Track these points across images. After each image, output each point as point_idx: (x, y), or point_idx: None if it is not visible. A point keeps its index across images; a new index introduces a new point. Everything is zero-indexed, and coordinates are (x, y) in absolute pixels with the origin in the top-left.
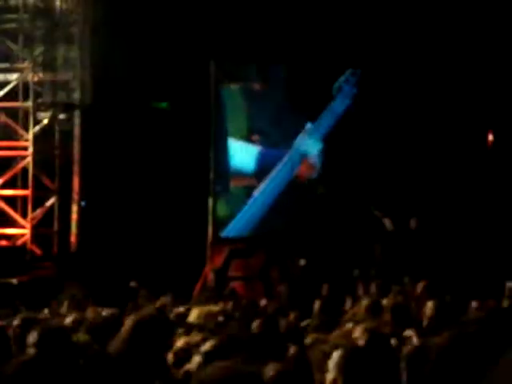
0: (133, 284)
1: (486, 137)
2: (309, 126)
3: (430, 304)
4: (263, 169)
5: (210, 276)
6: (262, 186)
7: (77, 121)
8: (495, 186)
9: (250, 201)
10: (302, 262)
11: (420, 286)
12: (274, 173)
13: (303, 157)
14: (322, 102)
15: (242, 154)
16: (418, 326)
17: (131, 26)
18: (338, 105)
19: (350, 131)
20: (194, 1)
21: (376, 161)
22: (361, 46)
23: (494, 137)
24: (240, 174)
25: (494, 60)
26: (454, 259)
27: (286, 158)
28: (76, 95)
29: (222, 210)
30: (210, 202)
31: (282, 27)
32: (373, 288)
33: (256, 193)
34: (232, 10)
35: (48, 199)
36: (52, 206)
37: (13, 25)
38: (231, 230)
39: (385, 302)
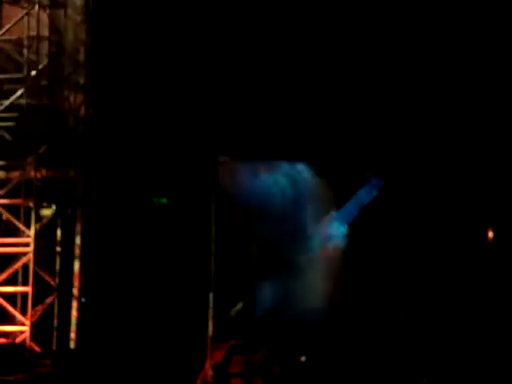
0: None
1: (487, 233)
2: (333, 214)
3: None
4: None
5: (210, 372)
6: None
7: (79, 217)
8: (495, 282)
9: None
10: (303, 358)
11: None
12: None
13: (327, 240)
14: (345, 192)
15: None
16: None
17: (132, 123)
18: (365, 195)
19: (373, 219)
20: (199, 97)
21: (393, 251)
22: (381, 153)
23: (494, 233)
24: None
25: (492, 157)
26: (456, 354)
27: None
28: (78, 192)
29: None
30: (211, 297)
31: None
32: None
33: None
34: (240, 106)
35: (48, 296)
36: (52, 302)
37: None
38: None
39: None
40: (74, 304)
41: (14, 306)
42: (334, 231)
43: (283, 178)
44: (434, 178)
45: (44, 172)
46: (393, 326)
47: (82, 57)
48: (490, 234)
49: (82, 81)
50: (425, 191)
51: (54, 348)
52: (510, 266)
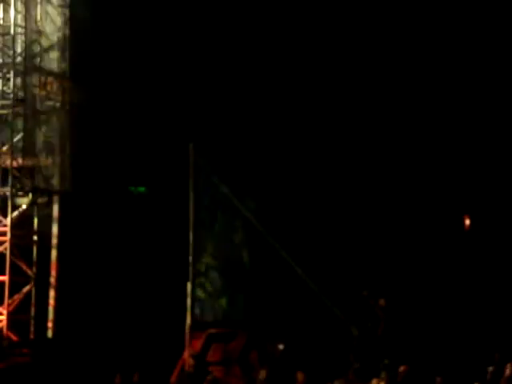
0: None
1: (463, 221)
2: None
3: None
4: None
5: (189, 361)
6: None
7: (55, 206)
8: (472, 269)
9: None
10: (281, 346)
11: (402, 370)
12: None
13: None
14: None
15: None
16: None
17: (109, 112)
18: None
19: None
20: (173, 87)
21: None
22: None
23: (471, 221)
24: None
25: (469, 146)
26: (434, 343)
27: None
28: (55, 181)
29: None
30: (189, 286)
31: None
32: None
33: None
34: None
35: (25, 285)
36: (29, 291)
37: None
38: None
39: None
40: (52, 293)
41: None
42: None
43: None
44: (411, 165)
45: (20, 160)
46: (364, 310)
47: (59, 44)
48: (467, 222)
49: (59, 69)
50: (402, 179)
51: (32, 337)
52: (486, 253)
